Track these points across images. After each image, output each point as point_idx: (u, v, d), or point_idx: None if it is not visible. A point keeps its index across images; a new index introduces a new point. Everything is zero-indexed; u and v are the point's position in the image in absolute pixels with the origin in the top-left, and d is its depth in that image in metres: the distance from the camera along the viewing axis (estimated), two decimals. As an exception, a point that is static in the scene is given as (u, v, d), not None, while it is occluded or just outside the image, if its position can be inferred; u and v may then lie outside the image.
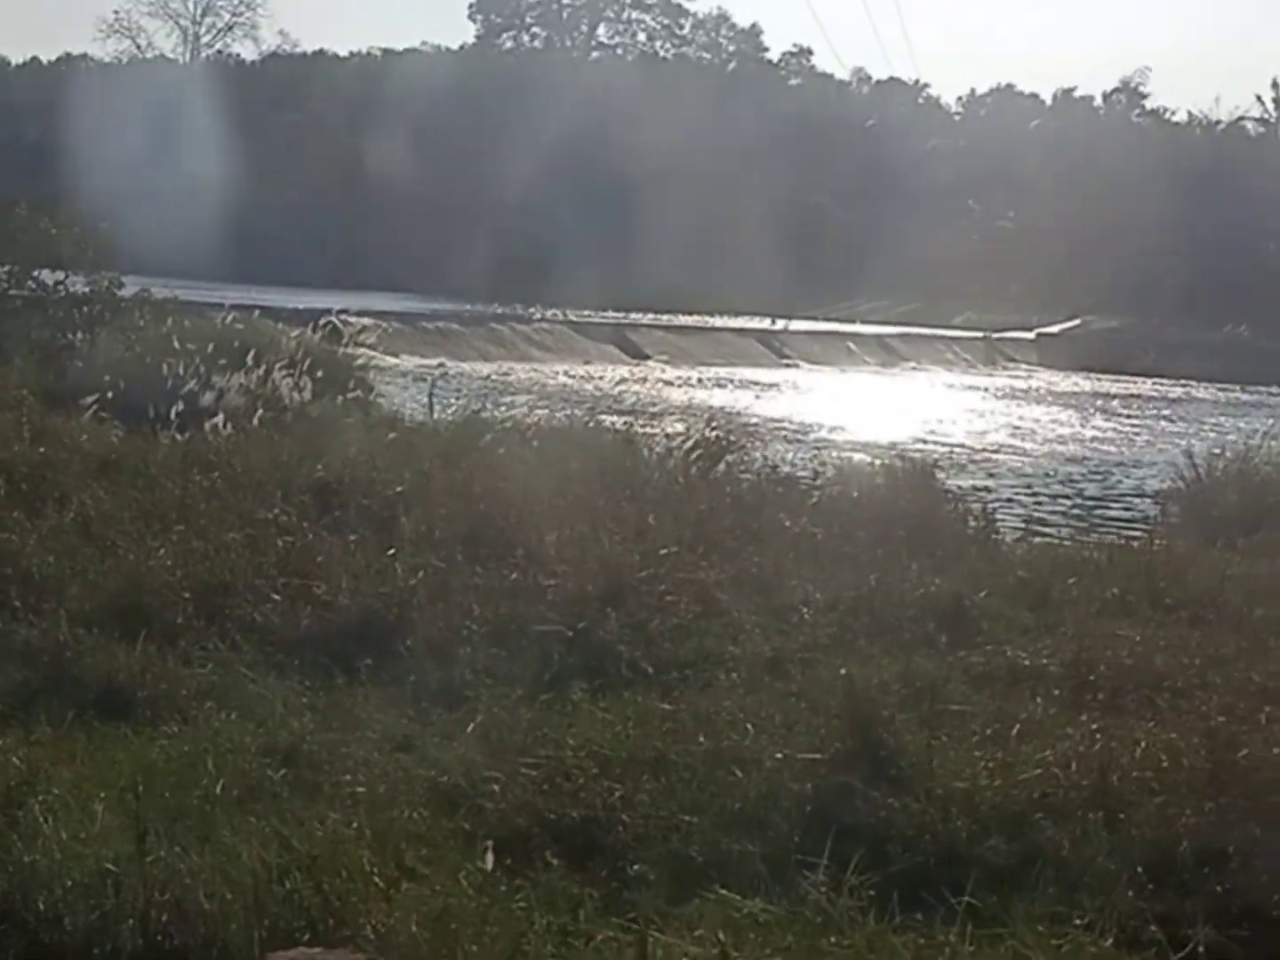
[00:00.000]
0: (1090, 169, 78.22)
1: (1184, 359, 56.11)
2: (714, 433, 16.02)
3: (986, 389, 46.61)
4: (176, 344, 17.92)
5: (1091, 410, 42.25)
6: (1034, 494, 22.47)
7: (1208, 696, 6.50)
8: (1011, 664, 7.55)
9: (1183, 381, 53.54)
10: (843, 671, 6.34)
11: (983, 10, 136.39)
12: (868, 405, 36.09)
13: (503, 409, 18.55)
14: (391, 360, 39.05)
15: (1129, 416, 40.29)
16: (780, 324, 52.81)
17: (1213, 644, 7.73)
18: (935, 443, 27.65)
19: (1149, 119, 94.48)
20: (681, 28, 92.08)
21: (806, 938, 4.07)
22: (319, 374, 19.54)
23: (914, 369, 53.06)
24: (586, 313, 50.40)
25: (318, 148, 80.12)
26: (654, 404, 32.22)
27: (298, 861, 4.00)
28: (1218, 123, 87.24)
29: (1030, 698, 6.93)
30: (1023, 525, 15.28)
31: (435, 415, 18.27)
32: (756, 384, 41.77)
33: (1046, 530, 15.59)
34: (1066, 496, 22.59)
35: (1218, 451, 16.62)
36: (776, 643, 7.72)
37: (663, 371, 43.67)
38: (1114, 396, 48.47)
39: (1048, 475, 25.50)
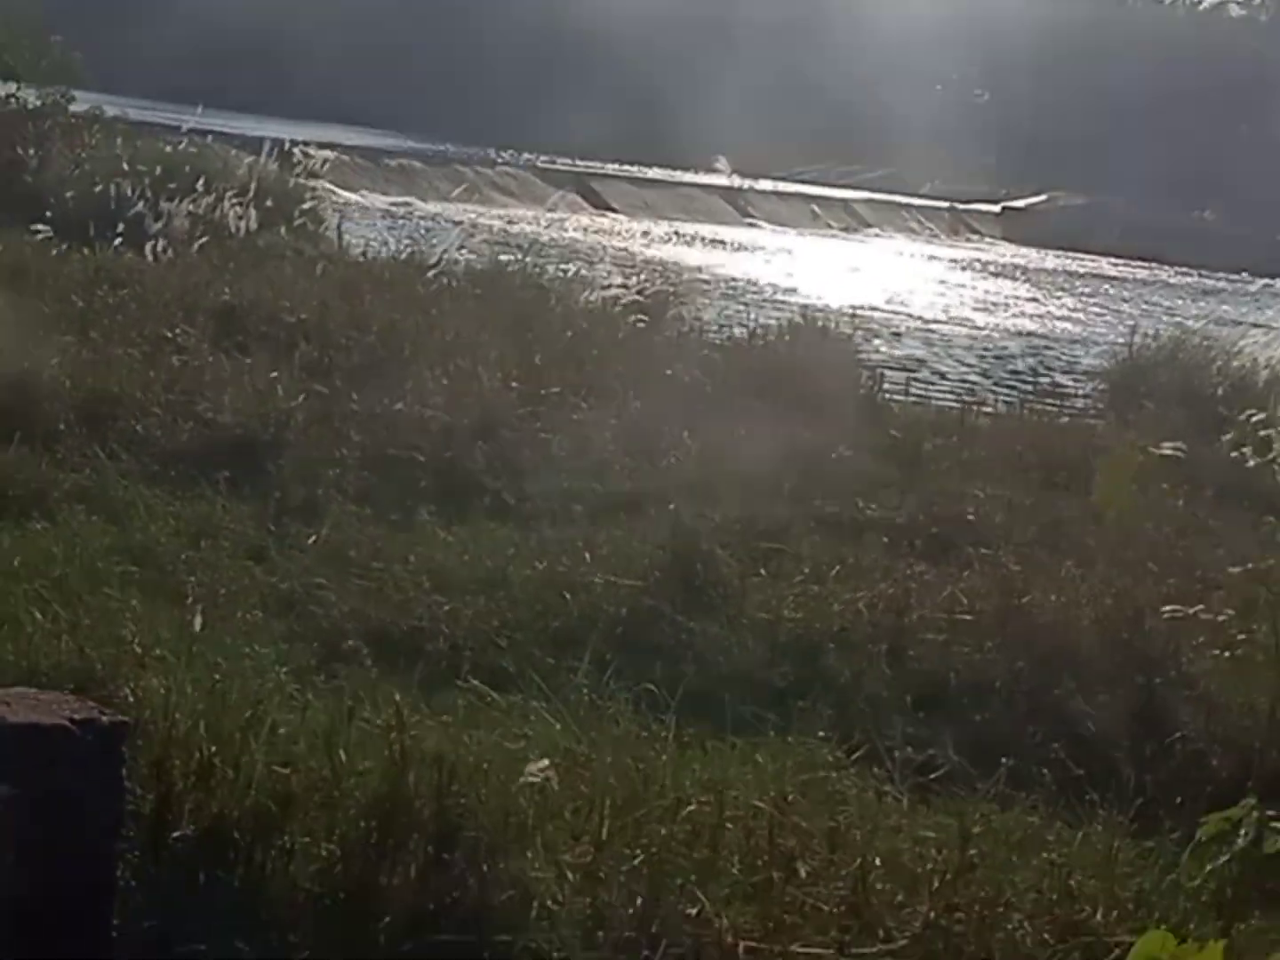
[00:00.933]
0: (1070, 46, 77.45)
1: (1150, 240, 56.04)
2: (654, 288, 16.36)
3: (946, 259, 46.68)
4: (126, 165, 18.06)
5: (1050, 287, 42.37)
6: (965, 365, 22.76)
7: (1010, 548, 6.92)
8: (859, 514, 7.96)
9: (1149, 264, 53.61)
10: (671, 507, 6.71)
11: None
12: (824, 268, 36.16)
13: (460, 251, 18.60)
14: (350, 195, 38.81)
15: (1088, 295, 40.42)
16: (746, 183, 52.43)
17: (1041, 506, 8.16)
18: (882, 309, 27.84)
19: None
20: None
21: (548, 724, 4.47)
22: (268, 204, 19.68)
23: (877, 235, 52.99)
24: (550, 159, 49.89)
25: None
26: (609, 255, 32.25)
27: (70, 628, 4.36)
28: (1198, 3, 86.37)
29: (865, 546, 7.34)
30: (928, 394, 15.59)
31: (385, 251, 18.47)
32: (720, 242, 41.73)
33: (947, 397, 15.88)
34: (999, 370, 22.85)
35: (1153, 332, 17.01)
36: (638, 483, 8.08)
37: (625, 223, 43.56)
38: (1076, 275, 48.60)
39: (986, 348, 25.74)
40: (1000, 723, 5.39)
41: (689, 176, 52.55)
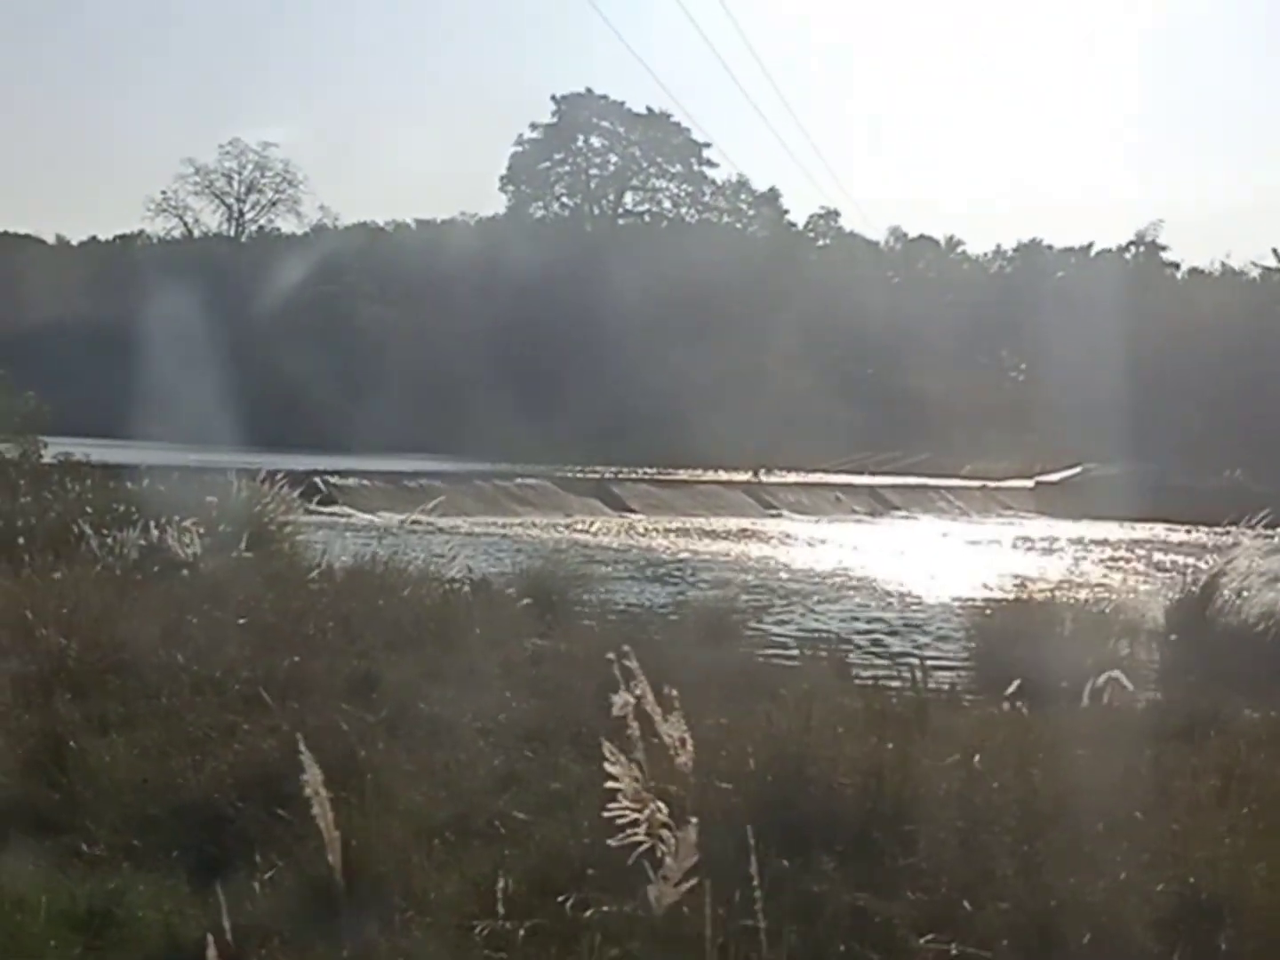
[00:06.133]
0: (1105, 320, 79.52)
1: (1180, 503, 56.53)
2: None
3: (964, 536, 47.32)
4: (89, 509, 19.68)
5: (1065, 555, 42.73)
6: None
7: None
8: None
9: (1185, 526, 53.93)
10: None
11: (1009, 169, 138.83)
12: (815, 547, 37.18)
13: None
14: (368, 516, 40.67)
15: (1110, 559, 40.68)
16: (772, 476, 54.11)
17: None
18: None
19: (1171, 270, 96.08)
20: (704, 194, 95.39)
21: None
22: (222, 528, 21.04)
23: (904, 518, 53.96)
24: (575, 470, 51.92)
25: (350, 317, 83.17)
26: (590, 550, 33.44)
27: None
28: (1233, 271, 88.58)
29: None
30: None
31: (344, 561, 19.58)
32: (748, 532, 42.85)
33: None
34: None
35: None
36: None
37: (638, 521, 44.92)
38: (1103, 543, 48.93)
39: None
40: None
41: (710, 475, 54.30)
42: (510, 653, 11.22)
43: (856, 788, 5.59)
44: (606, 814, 5.71)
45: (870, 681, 10.86)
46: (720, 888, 5.12)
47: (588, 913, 4.77)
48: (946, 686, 11.80)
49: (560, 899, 4.97)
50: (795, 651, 13.98)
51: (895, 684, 11.36)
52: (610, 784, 6.32)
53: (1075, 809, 5.32)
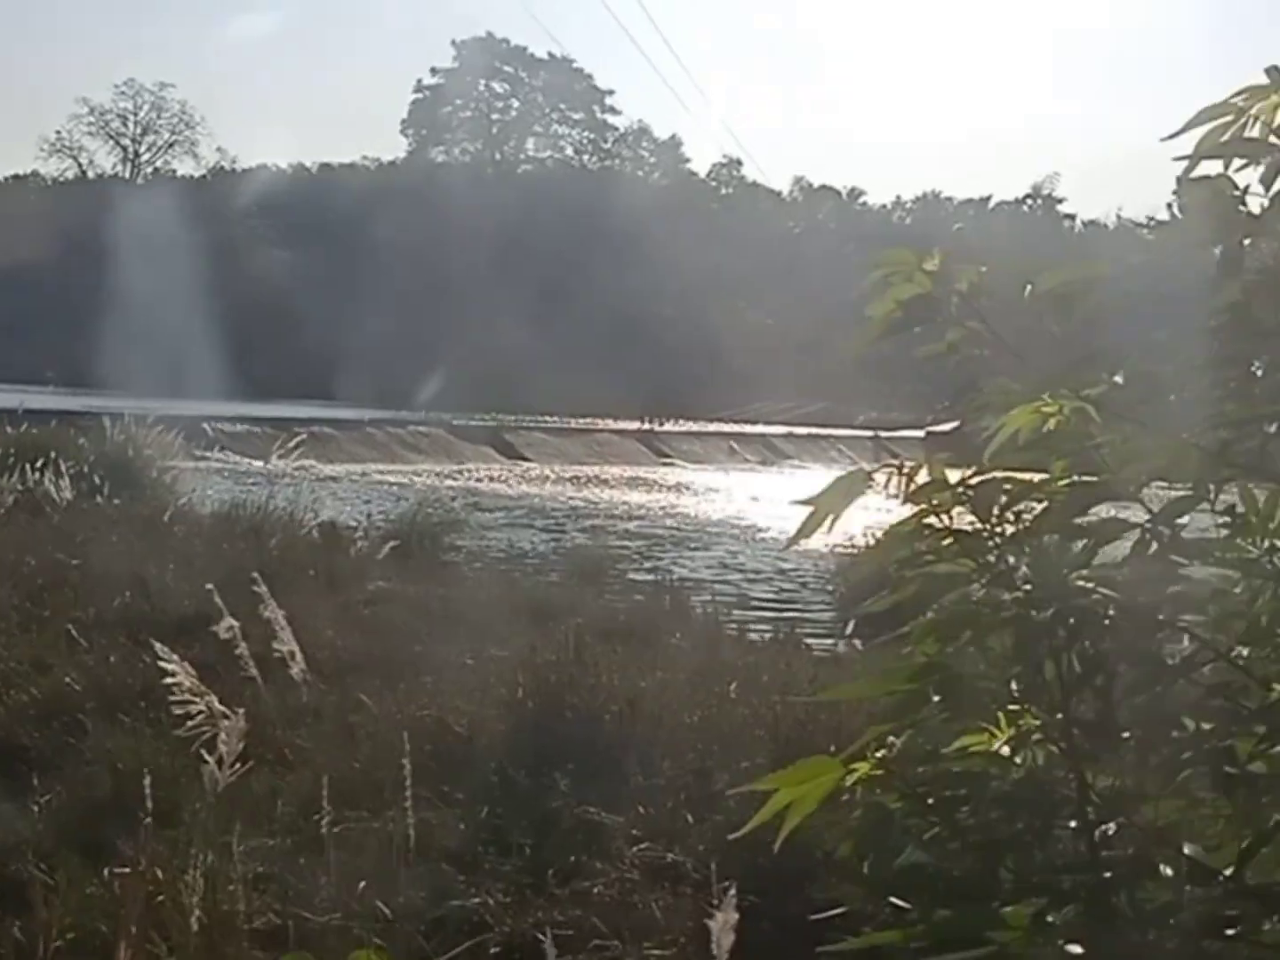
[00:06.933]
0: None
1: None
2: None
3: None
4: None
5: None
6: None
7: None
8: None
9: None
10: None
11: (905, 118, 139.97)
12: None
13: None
14: (257, 463, 40.50)
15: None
16: (666, 425, 54.61)
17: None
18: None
19: (1069, 221, 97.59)
20: (606, 141, 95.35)
21: None
22: (97, 475, 21.00)
23: (796, 466, 54.71)
24: (470, 416, 51.99)
25: (247, 262, 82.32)
26: (479, 496, 33.71)
27: None
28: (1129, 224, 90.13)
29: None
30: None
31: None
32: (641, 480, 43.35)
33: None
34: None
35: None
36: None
37: (531, 470, 45.19)
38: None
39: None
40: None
41: (606, 423, 54.63)
42: (351, 594, 11.52)
43: (613, 715, 5.98)
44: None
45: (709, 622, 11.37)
46: (472, 805, 5.52)
47: (338, 828, 5.10)
48: (787, 630, 12.29)
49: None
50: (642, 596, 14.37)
51: (733, 627, 11.88)
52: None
53: (814, 730, 5.72)
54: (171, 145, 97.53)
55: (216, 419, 44.50)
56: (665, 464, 51.05)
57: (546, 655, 6.36)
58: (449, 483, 38.92)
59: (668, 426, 56.24)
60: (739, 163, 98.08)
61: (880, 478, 2.22)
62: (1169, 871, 1.90)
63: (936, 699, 2.11)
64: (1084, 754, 2.02)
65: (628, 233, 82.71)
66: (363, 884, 4.47)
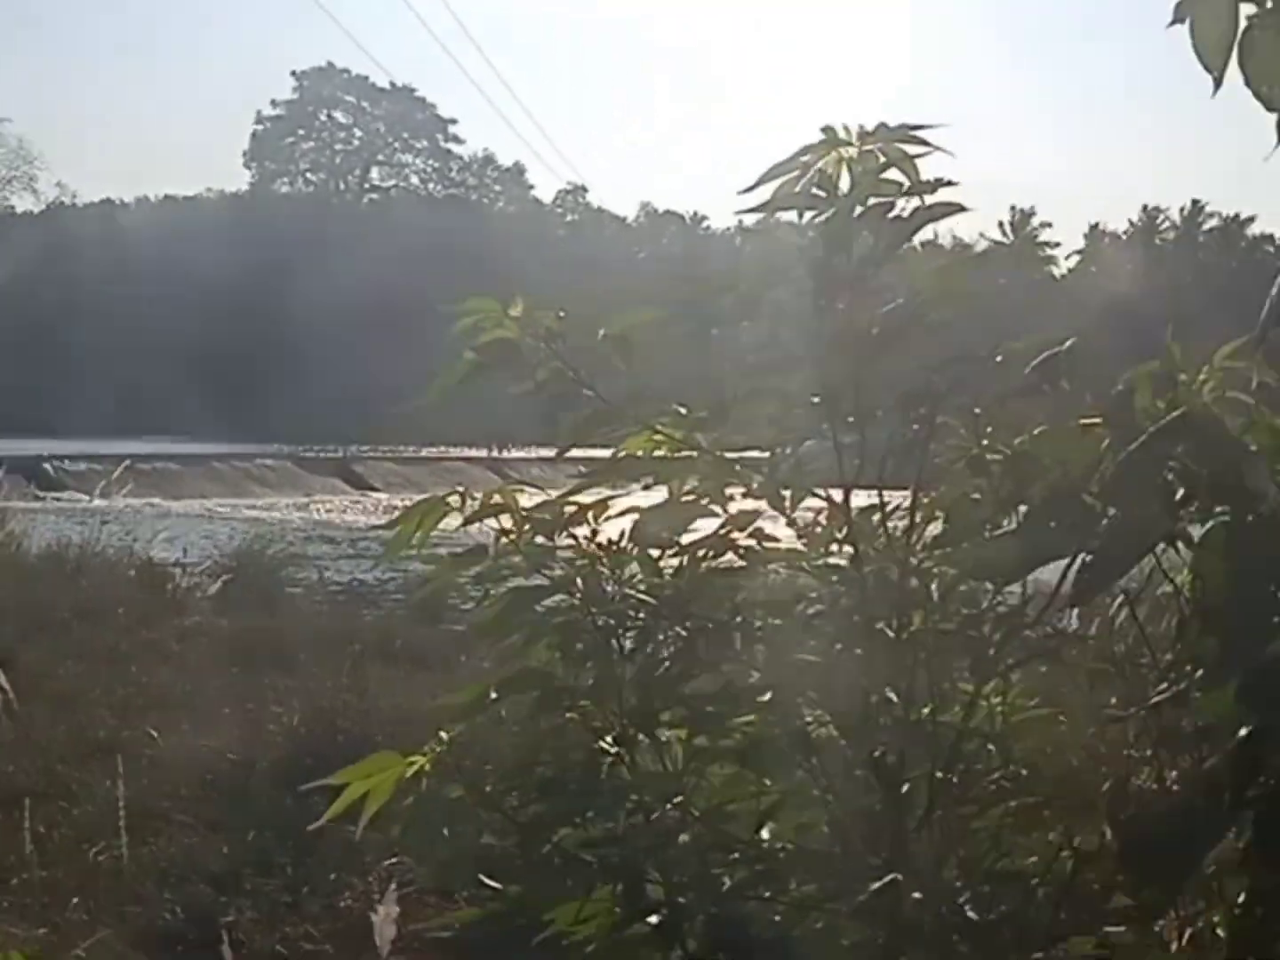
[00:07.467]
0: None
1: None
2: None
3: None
4: None
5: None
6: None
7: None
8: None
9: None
10: None
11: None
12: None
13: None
14: (99, 502, 39.78)
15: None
16: (514, 452, 54.55)
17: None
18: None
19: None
20: (451, 170, 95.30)
21: None
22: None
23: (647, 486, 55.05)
24: (318, 448, 51.69)
25: (92, 298, 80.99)
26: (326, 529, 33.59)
27: None
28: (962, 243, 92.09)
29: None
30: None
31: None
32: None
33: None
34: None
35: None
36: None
37: (381, 500, 45.01)
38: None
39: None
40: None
41: (456, 451, 54.49)
42: (164, 632, 11.57)
43: (386, 736, 6.21)
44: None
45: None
46: (240, 829, 5.72)
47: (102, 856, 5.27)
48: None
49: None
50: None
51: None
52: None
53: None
54: (9, 181, 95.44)
55: (58, 458, 43.74)
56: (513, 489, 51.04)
57: (324, 682, 6.57)
58: (297, 515, 38.74)
59: (514, 454, 56.29)
60: (584, 189, 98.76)
61: (454, 500, 2.50)
62: (686, 838, 2.19)
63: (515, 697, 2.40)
64: (631, 741, 2.32)
65: (475, 260, 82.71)
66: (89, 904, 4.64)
